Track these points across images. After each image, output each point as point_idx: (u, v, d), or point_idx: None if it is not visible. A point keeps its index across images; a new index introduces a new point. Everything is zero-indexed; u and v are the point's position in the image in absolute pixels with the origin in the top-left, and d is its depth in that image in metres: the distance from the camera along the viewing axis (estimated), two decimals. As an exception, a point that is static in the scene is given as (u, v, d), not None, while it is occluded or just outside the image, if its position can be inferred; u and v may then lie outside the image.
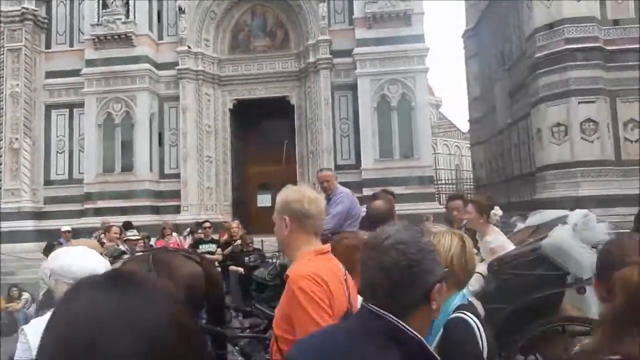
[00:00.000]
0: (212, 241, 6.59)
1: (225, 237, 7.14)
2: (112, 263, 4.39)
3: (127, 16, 15.26)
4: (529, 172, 16.62)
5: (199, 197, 15.21)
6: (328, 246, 1.82)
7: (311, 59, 15.07)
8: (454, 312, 1.67)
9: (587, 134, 13.75)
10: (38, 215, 15.19)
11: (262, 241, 8.95)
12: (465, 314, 1.63)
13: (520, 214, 15.70)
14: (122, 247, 5.24)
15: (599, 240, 2.71)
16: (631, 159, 14.09)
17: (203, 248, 6.05)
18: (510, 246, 3.06)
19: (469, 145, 56.66)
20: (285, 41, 16.19)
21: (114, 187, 14.81)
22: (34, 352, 1.60)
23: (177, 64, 15.38)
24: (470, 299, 1.84)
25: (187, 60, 15.32)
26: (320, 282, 1.61)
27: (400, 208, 4.51)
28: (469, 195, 21.73)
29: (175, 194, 15.12)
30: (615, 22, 14.52)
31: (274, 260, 4.11)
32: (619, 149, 14.14)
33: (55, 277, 1.81)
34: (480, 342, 1.56)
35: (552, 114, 14.27)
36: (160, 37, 15.93)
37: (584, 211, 2.88)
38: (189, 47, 15.21)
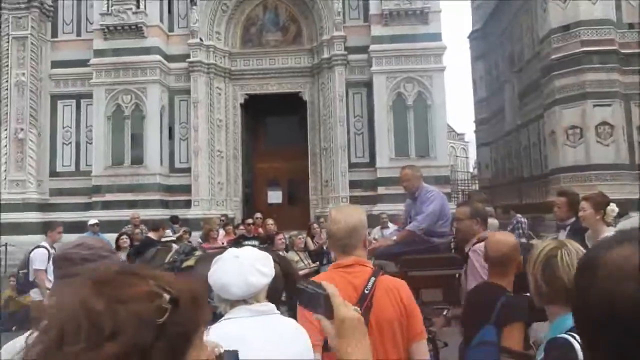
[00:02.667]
0: (255, 237, 6.41)
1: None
2: (183, 261, 4.19)
3: (138, 6, 14.95)
4: (540, 174, 16.63)
5: (209, 192, 14.96)
6: (351, 260, 1.92)
7: (325, 55, 14.88)
8: (565, 332, 1.47)
9: (602, 137, 13.76)
10: (43, 207, 14.82)
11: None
12: (573, 335, 1.42)
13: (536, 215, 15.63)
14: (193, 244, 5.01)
15: None
16: (645, 162, 14.17)
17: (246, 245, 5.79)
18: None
19: (463, 146, 57.24)
20: (298, 36, 15.99)
21: (123, 180, 14.52)
22: None
23: (187, 56, 15.09)
24: None
25: (199, 53, 15.04)
26: None
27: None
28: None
29: (185, 189, 14.86)
30: (631, 26, 14.55)
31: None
32: (633, 153, 14.18)
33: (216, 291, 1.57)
34: None
35: (567, 116, 14.25)
36: (171, 29, 15.63)
37: None
38: (201, 39, 14.93)
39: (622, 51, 14.16)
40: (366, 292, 1.82)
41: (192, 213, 14.06)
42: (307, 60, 15.74)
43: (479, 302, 2.28)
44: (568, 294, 1.48)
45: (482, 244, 2.69)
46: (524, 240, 9.65)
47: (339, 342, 0.89)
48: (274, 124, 16.93)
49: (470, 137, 51.33)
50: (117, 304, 0.59)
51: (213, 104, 15.30)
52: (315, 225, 7.70)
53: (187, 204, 14.63)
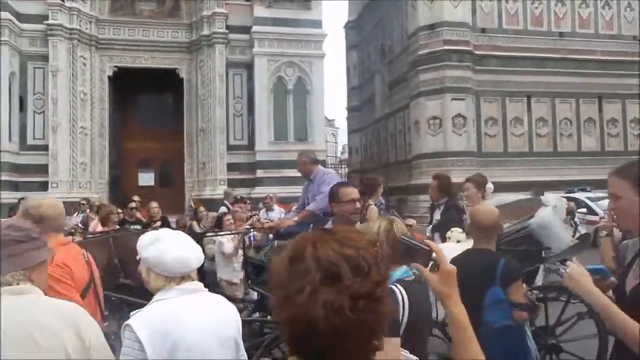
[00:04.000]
0: (137, 222, 5.99)
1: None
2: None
3: (-21, -47, 12.73)
4: (405, 159, 18.17)
5: (70, 173, 13.55)
6: (68, 238, 2.59)
7: (205, 32, 14.31)
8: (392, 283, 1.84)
9: (457, 127, 15.49)
10: None
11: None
12: (396, 286, 1.80)
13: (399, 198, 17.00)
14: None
15: (563, 219, 3.19)
16: (489, 151, 16.35)
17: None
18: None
19: (333, 132, 59.92)
20: (176, 9, 15.07)
21: (-40, 157, 12.43)
22: (149, 351, 1.40)
23: (45, 17, 13.33)
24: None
25: (59, 16, 13.37)
26: (62, 266, 2.24)
27: (294, 191, 4.70)
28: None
29: (41, 168, 13.26)
30: (483, 30, 16.51)
31: (270, 241, 3.91)
32: (480, 142, 16.24)
33: (146, 264, 1.65)
34: (400, 312, 1.75)
35: (429, 107, 15.76)
36: (24, -16, 13.62)
37: (557, 195, 3.33)
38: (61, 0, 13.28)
39: (476, 52, 16.04)
40: (87, 261, 2.51)
41: (50, 196, 12.60)
42: (185, 36, 14.97)
43: (477, 267, 2.52)
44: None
45: None
46: None
47: (446, 290, 1.14)
48: (147, 102, 15.88)
49: (340, 123, 54.37)
50: (360, 249, 0.81)
51: (76, 74, 13.78)
52: (202, 209, 7.50)
53: (43, 186, 13.08)
